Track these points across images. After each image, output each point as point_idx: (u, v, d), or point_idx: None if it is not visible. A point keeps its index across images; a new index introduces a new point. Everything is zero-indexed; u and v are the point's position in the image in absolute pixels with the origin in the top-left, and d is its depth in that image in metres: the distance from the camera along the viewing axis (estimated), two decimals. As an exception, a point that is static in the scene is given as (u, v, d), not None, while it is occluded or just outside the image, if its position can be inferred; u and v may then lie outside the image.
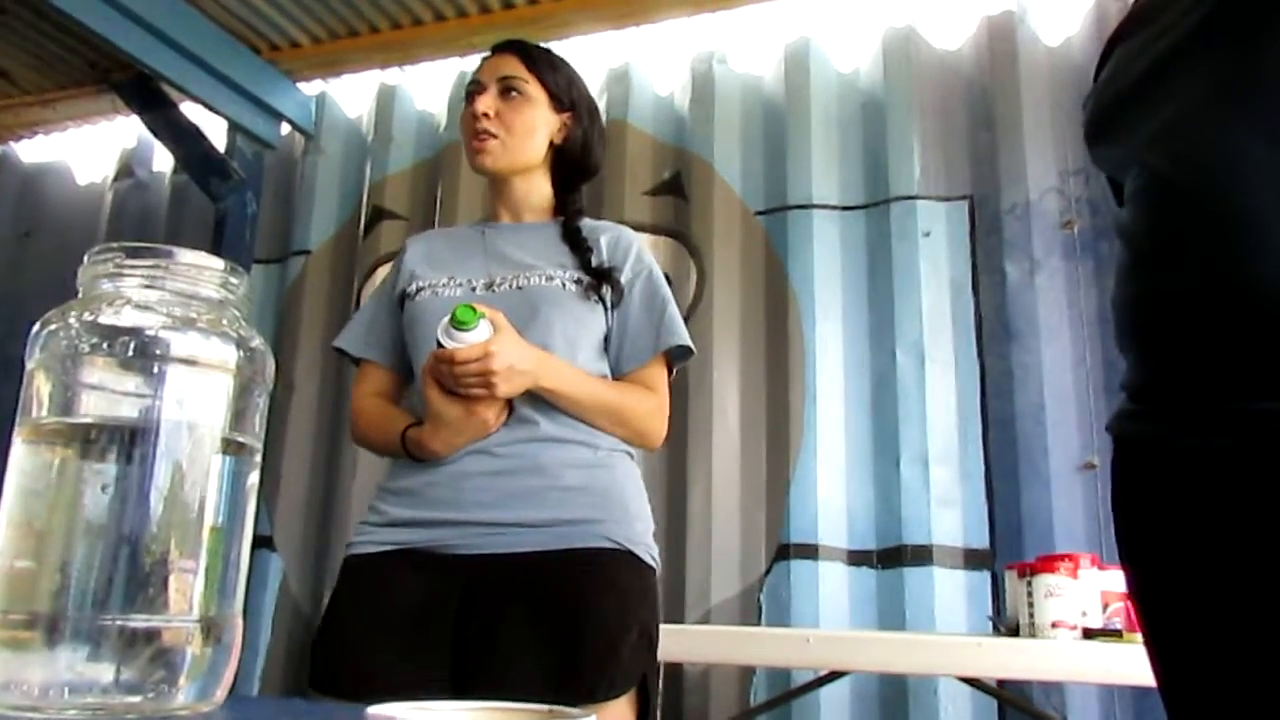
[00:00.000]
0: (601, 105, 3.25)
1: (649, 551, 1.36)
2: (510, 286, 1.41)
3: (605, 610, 1.26)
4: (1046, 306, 2.69)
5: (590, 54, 3.36)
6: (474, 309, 1.23)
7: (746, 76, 3.18)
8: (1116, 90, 0.91)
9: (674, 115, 3.22)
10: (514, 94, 1.47)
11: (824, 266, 2.89)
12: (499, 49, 1.52)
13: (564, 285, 1.40)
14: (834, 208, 2.95)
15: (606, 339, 1.43)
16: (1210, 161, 0.78)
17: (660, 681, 2.57)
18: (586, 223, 1.52)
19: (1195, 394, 0.79)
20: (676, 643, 2.24)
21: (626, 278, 1.44)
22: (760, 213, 3.04)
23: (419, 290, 1.44)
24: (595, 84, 3.32)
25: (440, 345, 1.24)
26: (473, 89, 1.49)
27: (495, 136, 1.45)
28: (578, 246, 1.45)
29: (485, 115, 1.45)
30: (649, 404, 1.43)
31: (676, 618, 2.75)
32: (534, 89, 1.48)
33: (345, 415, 3.26)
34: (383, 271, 1.55)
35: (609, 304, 1.43)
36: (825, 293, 2.87)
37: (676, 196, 3.12)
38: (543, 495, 1.31)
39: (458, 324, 1.23)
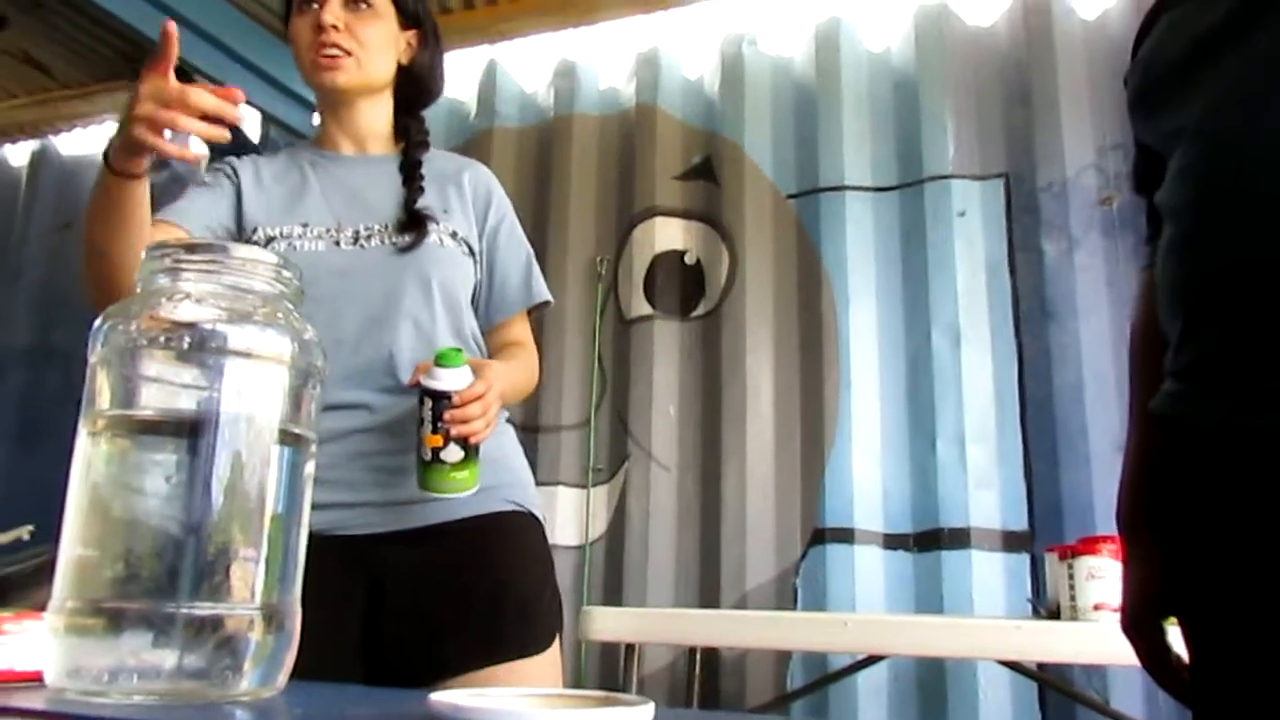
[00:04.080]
0: (630, 89, 3.25)
1: (540, 511, 1.36)
2: (382, 241, 1.29)
3: (521, 574, 1.27)
4: (1085, 284, 2.65)
5: (618, 38, 3.35)
6: (459, 351, 1.18)
7: (777, 58, 3.15)
8: (1167, 60, 0.89)
9: (704, 99, 3.20)
10: (363, 6, 1.33)
11: (857, 249, 2.87)
12: None
13: (441, 242, 1.31)
14: (867, 189, 2.92)
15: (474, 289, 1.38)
16: (1264, 138, 0.76)
17: (696, 665, 2.58)
18: (438, 155, 1.43)
19: (1241, 373, 0.78)
20: (712, 627, 2.25)
21: (492, 221, 1.38)
22: (792, 196, 3.02)
23: (269, 240, 1.29)
24: (624, 68, 3.31)
25: (425, 387, 1.16)
26: None
27: (348, 53, 1.31)
28: (409, 180, 1.34)
29: (334, 27, 1.29)
30: (534, 365, 1.41)
31: (712, 602, 2.76)
32: (382, 1, 1.35)
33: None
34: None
35: (478, 255, 1.37)
36: (859, 275, 2.85)
37: (707, 181, 3.11)
38: None
39: (445, 363, 1.16)
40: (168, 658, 0.58)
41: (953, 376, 2.69)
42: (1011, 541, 2.59)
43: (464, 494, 1.18)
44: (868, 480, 2.72)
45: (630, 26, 3.30)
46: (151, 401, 0.62)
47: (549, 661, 1.26)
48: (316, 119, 3.76)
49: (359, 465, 1.23)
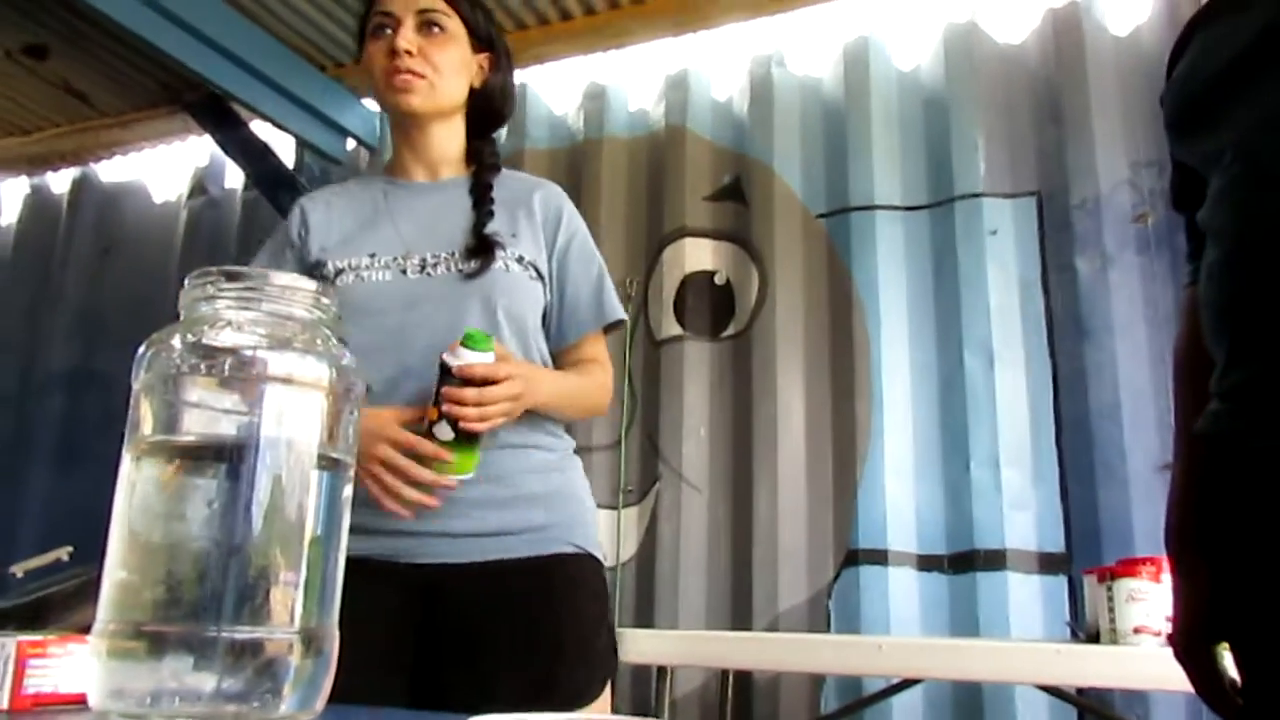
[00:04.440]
0: (660, 111, 3.27)
1: (601, 551, 1.35)
2: (449, 269, 1.29)
3: (581, 618, 1.27)
4: (1121, 302, 2.62)
5: (647, 60, 3.37)
6: (489, 336, 1.17)
7: (805, 78, 3.15)
8: (1203, 79, 0.88)
9: (733, 119, 3.21)
10: (436, 30, 1.33)
11: (888, 268, 2.86)
12: None
13: (507, 267, 1.30)
14: (897, 208, 2.91)
15: (545, 309, 1.37)
16: None
17: (729, 688, 2.56)
18: (509, 176, 1.43)
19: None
20: (745, 650, 2.23)
21: (561, 241, 1.37)
22: (822, 215, 3.01)
23: (339, 272, 1.29)
24: (654, 90, 3.33)
25: (447, 366, 1.15)
26: (383, 21, 1.33)
27: (422, 76, 1.31)
28: (479, 204, 1.34)
29: (408, 52, 1.29)
30: (604, 381, 1.40)
31: (744, 624, 2.74)
32: (456, 25, 1.35)
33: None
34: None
35: (547, 276, 1.36)
36: (890, 295, 2.83)
37: (737, 201, 3.11)
38: (504, 504, 1.26)
39: (469, 344, 1.15)
40: (208, 681, 0.58)
41: (986, 396, 2.66)
42: (1048, 564, 2.55)
43: (453, 476, 1.17)
44: (901, 501, 2.70)
45: (659, 49, 3.32)
46: (193, 427, 0.63)
47: (598, 709, 1.25)
48: (351, 143, 3.81)
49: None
